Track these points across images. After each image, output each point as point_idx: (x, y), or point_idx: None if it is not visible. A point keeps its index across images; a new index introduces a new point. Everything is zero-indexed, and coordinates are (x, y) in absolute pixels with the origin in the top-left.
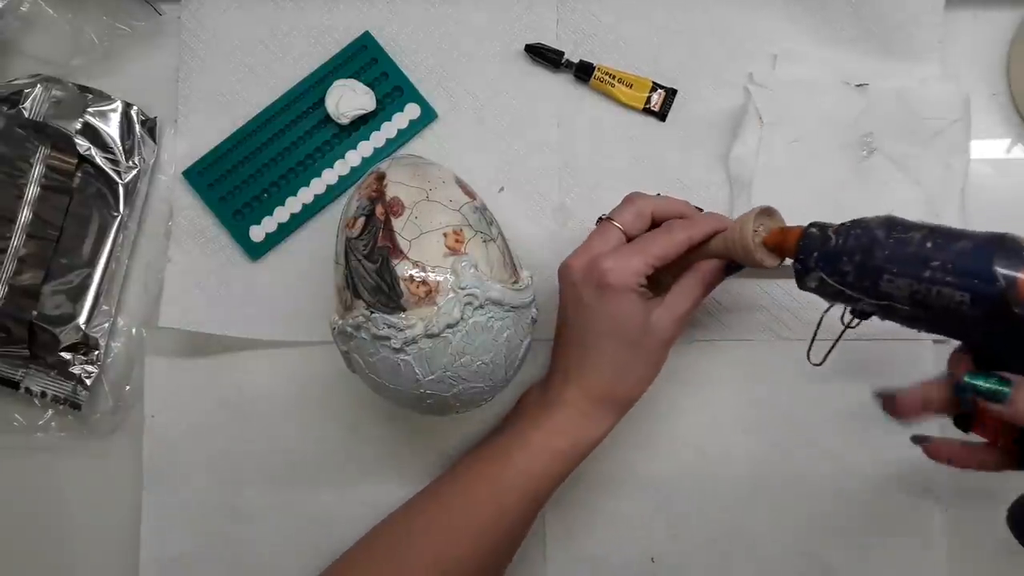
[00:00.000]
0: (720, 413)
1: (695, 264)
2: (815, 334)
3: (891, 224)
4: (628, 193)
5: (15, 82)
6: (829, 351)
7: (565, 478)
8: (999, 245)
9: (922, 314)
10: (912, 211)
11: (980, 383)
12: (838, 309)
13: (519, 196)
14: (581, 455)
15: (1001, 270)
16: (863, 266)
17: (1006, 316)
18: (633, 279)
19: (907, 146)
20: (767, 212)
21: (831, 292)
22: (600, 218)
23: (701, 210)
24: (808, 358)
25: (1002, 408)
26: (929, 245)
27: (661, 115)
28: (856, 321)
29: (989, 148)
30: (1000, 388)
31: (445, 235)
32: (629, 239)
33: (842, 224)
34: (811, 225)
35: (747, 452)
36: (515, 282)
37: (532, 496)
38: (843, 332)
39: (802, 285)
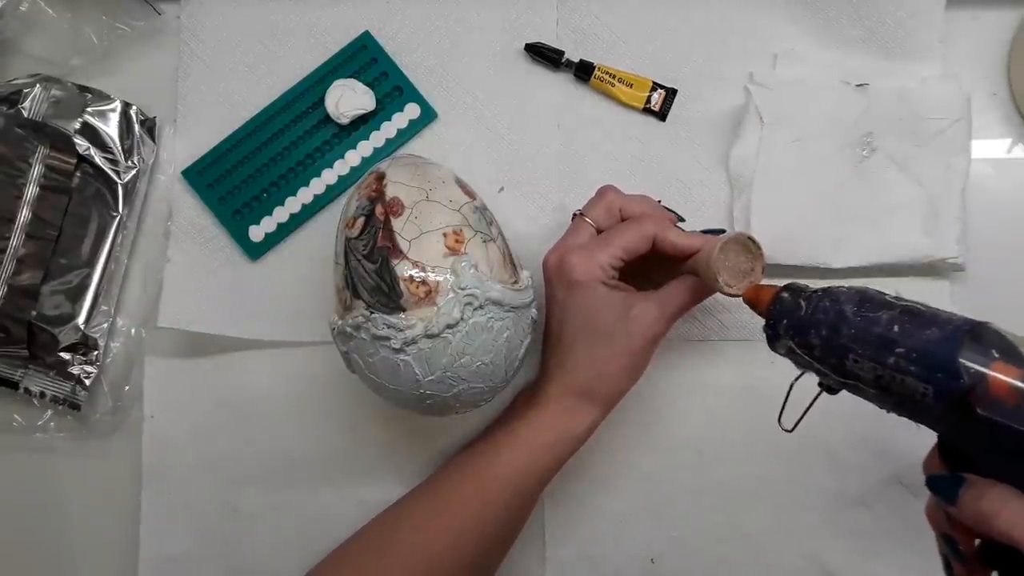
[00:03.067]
0: (720, 413)
1: (683, 267)
2: (785, 401)
3: (862, 299)
4: (600, 187)
5: (14, 82)
6: (800, 418)
7: (553, 473)
8: (970, 336)
9: (888, 399)
10: (912, 211)
11: (936, 483)
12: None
13: (519, 196)
14: (567, 449)
15: (968, 364)
16: (829, 343)
17: (970, 415)
18: (599, 272)
19: (908, 146)
20: (739, 242)
21: (801, 362)
22: (574, 214)
23: (683, 218)
24: (780, 423)
25: (951, 508)
26: (896, 328)
27: (661, 115)
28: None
29: (989, 148)
30: (950, 488)
31: (445, 235)
32: (600, 233)
33: (815, 291)
34: (785, 288)
35: (747, 452)
36: (515, 282)
37: (517, 490)
38: (814, 400)
39: (773, 349)
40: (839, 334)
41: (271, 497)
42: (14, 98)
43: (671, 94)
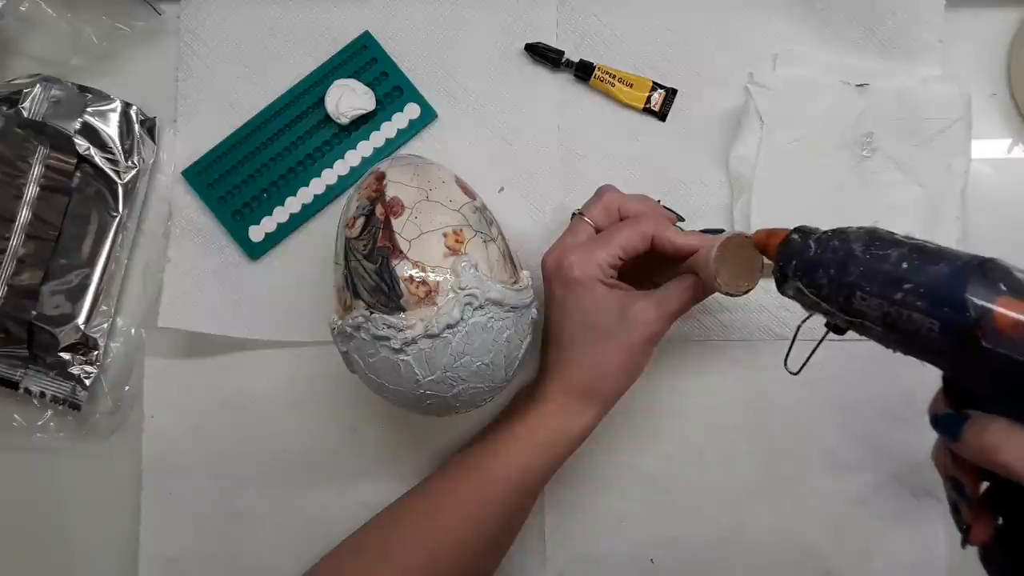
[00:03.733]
0: (720, 413)
1: (681, 267)
2: (792, 342)
3: (871, 238)
4: (600, 186)
5: (14, 82)
6: (807, 360)
7: (552, 471)
8: (978, 271)
9: (894, 337)
10: (913, 211)
11: (940, 421)
12: (819, 317)
13: (519, 196)
14: (566, 448)
15: (974, 299)
16: (837, 281)
17: (975, 349)
18: (597, 270)
19: (908, 146)
20: (738, 241)
21: (809, 303)
22: (573, 213)
23: (682, 218)
24: (785, 365)
25: (954, 445)
26: (905, 265)
27: (661, 115)
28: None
29: (989, 148)
30: (953, 425)
31: (445, 235)
32: (599, 232)
33: (824, 232)
34: (795, 231)
35: (747, 452)
36: (515, 282)
37: (515, 488)
38: (821, 340)
39: (781, 291)
40: (847, 272)
41: (271, 497)
42: (14, 98)
43: (671, 94)
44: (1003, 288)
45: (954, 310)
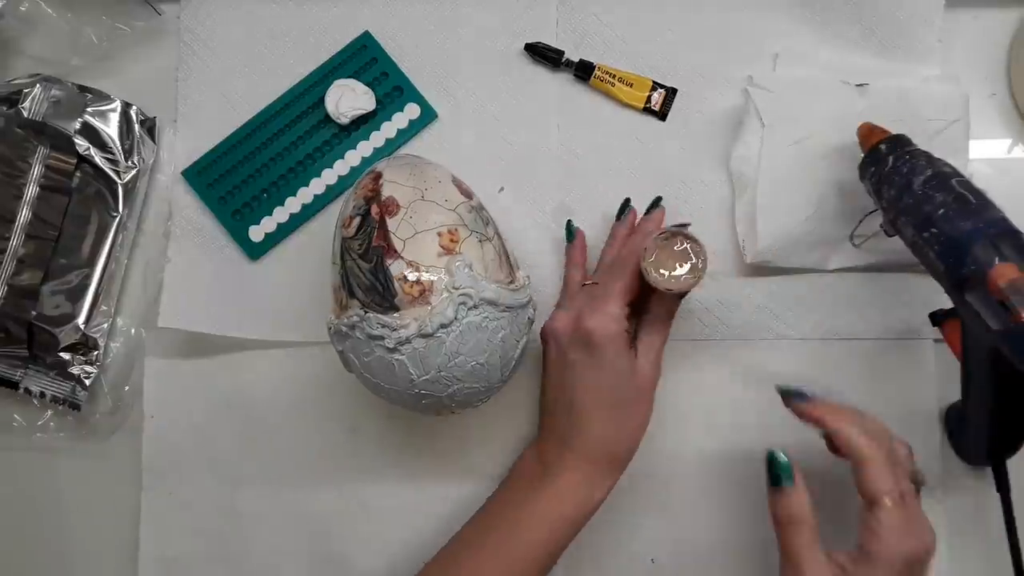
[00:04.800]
0: (720, 413)
1: (651, 300)
2: (857, 225)
3: (932, 176)
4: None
5: (14, 82)
6: (856, 227)
7: (574, 535)
8: (995, 235)
9: (919, 258)
10: None
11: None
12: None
13: (519, 196)
14: (588, 515)
15: (977, 256)
16: (893, 201)
17: (962, 298)
18: (616, 325)
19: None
20: (663, 236)
21: (874, 203)
22: (568, 250)
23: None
24: (851, 240)
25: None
26: (941, 212)
27: (661, 115)
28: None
29: (989, 148)
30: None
31: (440, 235)
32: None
33: (906, 152)
34: (888, 139)
35: (747, 452)
36: (511, 282)
37: (540, 565)
38: (867, 215)
39: (860, 179)
40: (901, 198)
41: (271, 497)
42: (14, 98)
43: (671, 94)
44: (1007, 254)
45: (957, 261)
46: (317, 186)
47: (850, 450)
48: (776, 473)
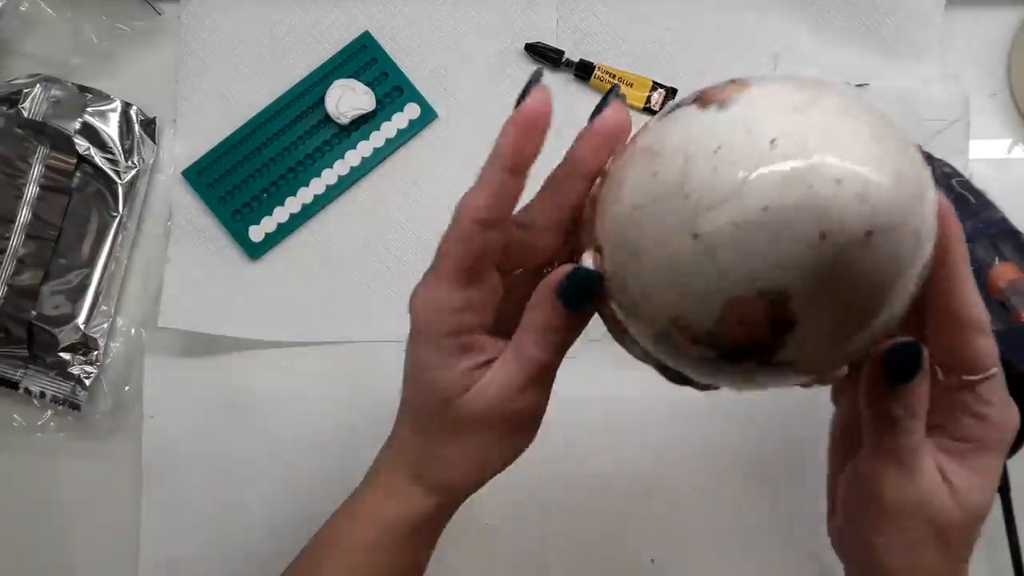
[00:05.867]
0: (720, 412)
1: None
2: None
3: (936, 177)
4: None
5: (14, 82)
6: None
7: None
8: (995, 235)
9: None
10: None
11: None
12: None
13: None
14: (403, 544)
15: (977, 256)
16: None
17: None
18: (435, 315)
19: None
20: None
21: None
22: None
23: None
24: None
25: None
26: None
27: None
28: None
29: (989, 148)
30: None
31: None
32: None
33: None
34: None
35: (747, 451)
36: None
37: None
38: None
39: None
40: None
41: (272, 497)
42: (14, 98)
43: (671, 94)
44: (1007, 255)
45: None
46: (317, 186)
47: (961, 309)
48: (908, 367)
